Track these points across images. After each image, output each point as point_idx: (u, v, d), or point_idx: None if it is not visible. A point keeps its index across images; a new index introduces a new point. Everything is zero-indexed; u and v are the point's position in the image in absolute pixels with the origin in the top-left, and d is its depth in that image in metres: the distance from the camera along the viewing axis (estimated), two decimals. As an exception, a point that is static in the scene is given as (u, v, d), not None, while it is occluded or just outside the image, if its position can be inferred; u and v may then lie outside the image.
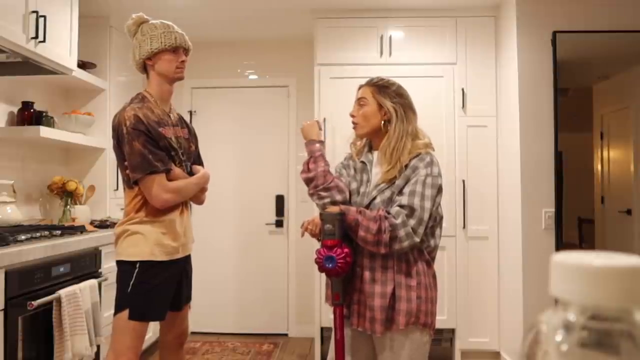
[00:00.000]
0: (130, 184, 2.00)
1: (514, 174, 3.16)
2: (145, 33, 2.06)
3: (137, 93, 2.10)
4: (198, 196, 2.15)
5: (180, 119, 2.21)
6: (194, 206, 2.52)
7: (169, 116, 2.10)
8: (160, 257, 1.99)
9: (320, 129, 1.99)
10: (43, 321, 2.21)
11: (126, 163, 1.98)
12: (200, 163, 2.24)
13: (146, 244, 1.97)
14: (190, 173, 2.13)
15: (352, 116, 1.91)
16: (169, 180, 1.99)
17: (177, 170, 2.04)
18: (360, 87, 1.93)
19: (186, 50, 2.12)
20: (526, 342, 0.39)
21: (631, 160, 3.11)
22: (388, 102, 1.84)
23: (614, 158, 3.19)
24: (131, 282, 1.95)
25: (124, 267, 2.00)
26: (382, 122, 1.85)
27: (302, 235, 1.91)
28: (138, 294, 1.96)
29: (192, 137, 2.22)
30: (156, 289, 1.99)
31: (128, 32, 2.13)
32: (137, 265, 1.96)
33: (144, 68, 2.12)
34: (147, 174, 1.93)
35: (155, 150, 1.95)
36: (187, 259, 2.16)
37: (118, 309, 1.99)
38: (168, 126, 2.05)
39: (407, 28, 3.52)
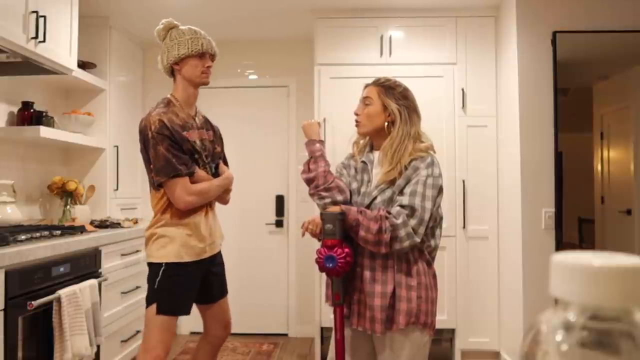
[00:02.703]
0: (156, 186, 2.08)
1: (514, 174, 3.16)
2: (173, 39, 2.13)
3: (163, 97, 2.17)
4: (223, 197, 2.23)
5: (206, 121, 2.28)
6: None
7: (194, 119, 2.17)
8: (186, 258, 2.07)
9: (319, 126, 2.00)
10: (43, 321, 2.21)
11: (152, 166, 2.05)
12: (226, 164, 2.32)
13: (173, 246, 2.05)
14: (216, 173, 2.20)
15: (356, 114, 1.91)
16: (193, 182, 2.06)
17: (200, 173, 2.11)
18: (367, 86, 1.93)
19: (212, 56, 2.19)
20: (526, 342, 0.39)
21: (631, 160, 3.11)
22: (393, 104, 1.84)
23: (614, 158, 3.19)
24: (157, 279, 2.04)
25: (153, 268, 2.08)
26: (386, 123, 1.85)
27: (303, 235, 1.92)
28: (163, 290, 2.04)
29: (218, 139, 2.29)
30: (181, 285, 2.07)
31: (158, 37, 2.20)
32: (163, 265, 2.05)
33: (172, 72, 2.18)
34: (170, 177, 2.01)
35: (179, 154, 2.02)
36: (215, 257, 2.23)
37: (148, 303, 2.08)
38: (193, 130, 2.12)
39: (407, 28, 3.52)
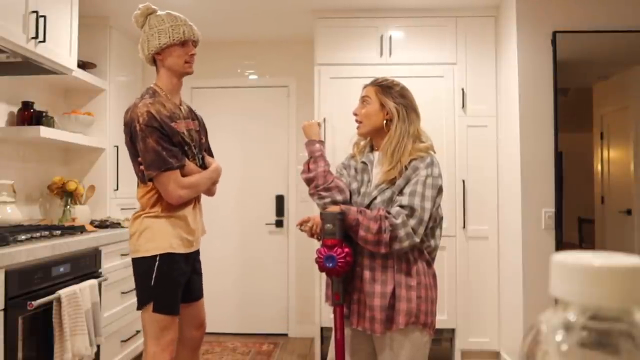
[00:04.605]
0: (144, 179, 2.00)
1: (514, 174, 3.16)
2: (152, 27, 2.04)
3: (148, 87, 2.09)
4: (210, 188, 2.17)
5: (190, 110, 2.20)
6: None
7: (180, 109, 2.09)
8: (178, 249, 2.00)
9: (319, 126, 2.01)
10: (43, 321, 2.21)
11: (139, 159, 1.98)
12: (211, 154, 2.25)
13: (164, 237, 1.98)
14: (203, 165, 2.13)
15: (355, 114, 1.92)
16: (183, 175, 2.00)
17: (190, 165, 2.05)
18: (365, 86, 1.94)
19: (195, 42, 2.10)
20: (526, 342, 0.39)
21: (631, 160, 3.11)
22: (390, 102, 1.84)
23: (614, 158, 3.19)
24: (153, 275, 1.96)
25: (143, 262, 1.99)
26: (384, 121, 1.85)
27: (300, 225, 1.90)
28: (161, 287, 1.97)
29: (202, 129, 2.21)
30: (175, 282, 2.01)
31: (136, 23, 2.10)
32: (158, 258, 1.97)
33: (153, 61, 2.10)
34: (162, 171, 1.93)
35: (169, 147, 1.95)
36: (197, 253, 2.18)
37: (142, 303, 1.99)
38: (180, 120, 2.04)
39: (407, 28, 3.52)
